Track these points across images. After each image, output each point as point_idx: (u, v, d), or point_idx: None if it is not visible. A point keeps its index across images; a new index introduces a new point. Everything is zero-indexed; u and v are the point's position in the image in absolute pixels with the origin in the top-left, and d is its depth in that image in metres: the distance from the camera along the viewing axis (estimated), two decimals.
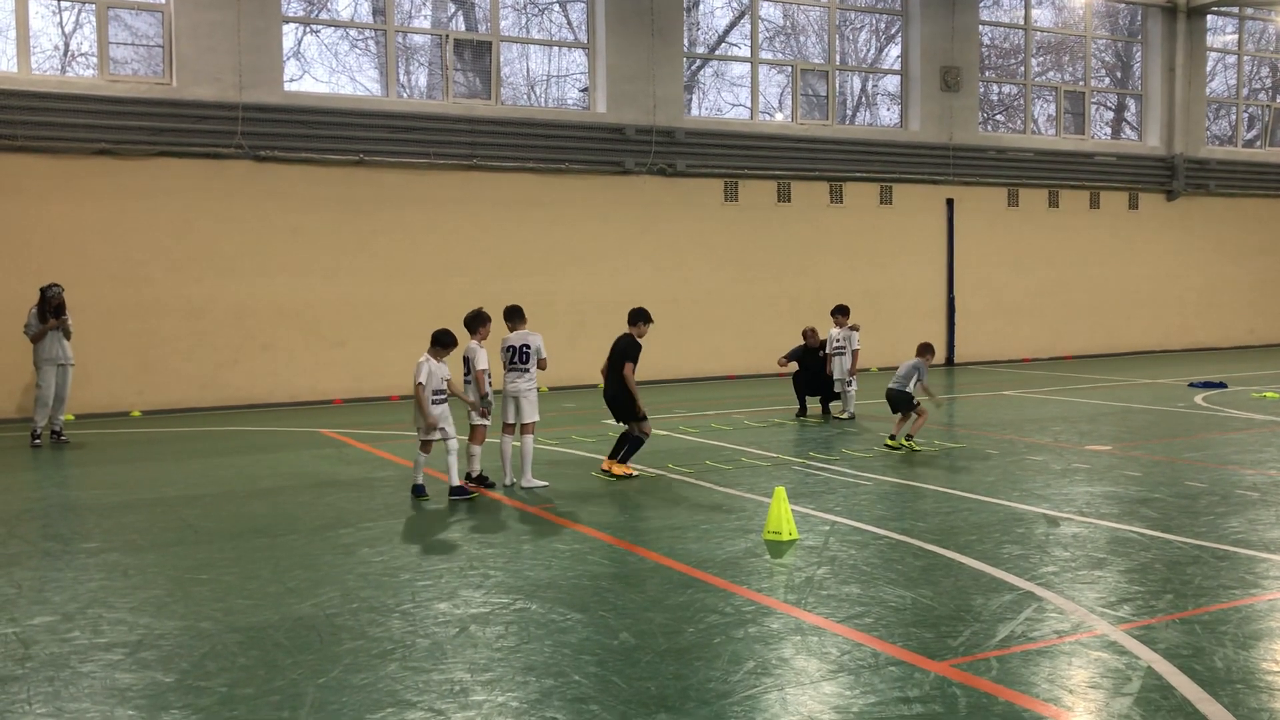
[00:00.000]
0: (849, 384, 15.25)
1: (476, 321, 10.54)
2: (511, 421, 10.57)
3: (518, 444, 10.66)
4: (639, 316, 11.25)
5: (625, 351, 11.02)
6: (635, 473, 11.10)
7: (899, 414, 12.66)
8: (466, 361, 10.46)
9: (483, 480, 10.55)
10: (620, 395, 11.00)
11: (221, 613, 6.57)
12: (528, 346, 10.59)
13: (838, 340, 15.31)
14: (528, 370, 10.58)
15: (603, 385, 11.34)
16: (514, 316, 10.83)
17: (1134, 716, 4.81)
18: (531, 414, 10.53)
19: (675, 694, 5.16)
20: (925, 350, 12.79)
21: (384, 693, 5.24)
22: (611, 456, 11.15)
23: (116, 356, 16.94)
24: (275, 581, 7.25)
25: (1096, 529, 8.39)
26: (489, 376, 10.46)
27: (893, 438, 12.53)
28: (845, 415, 15.18)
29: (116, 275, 16.91)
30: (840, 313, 15.58)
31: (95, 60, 17.23)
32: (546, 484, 10.51)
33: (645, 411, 11.01)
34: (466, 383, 10.50)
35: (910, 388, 12.52)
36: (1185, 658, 5.50)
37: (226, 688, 5.33)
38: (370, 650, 5.83)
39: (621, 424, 11.22)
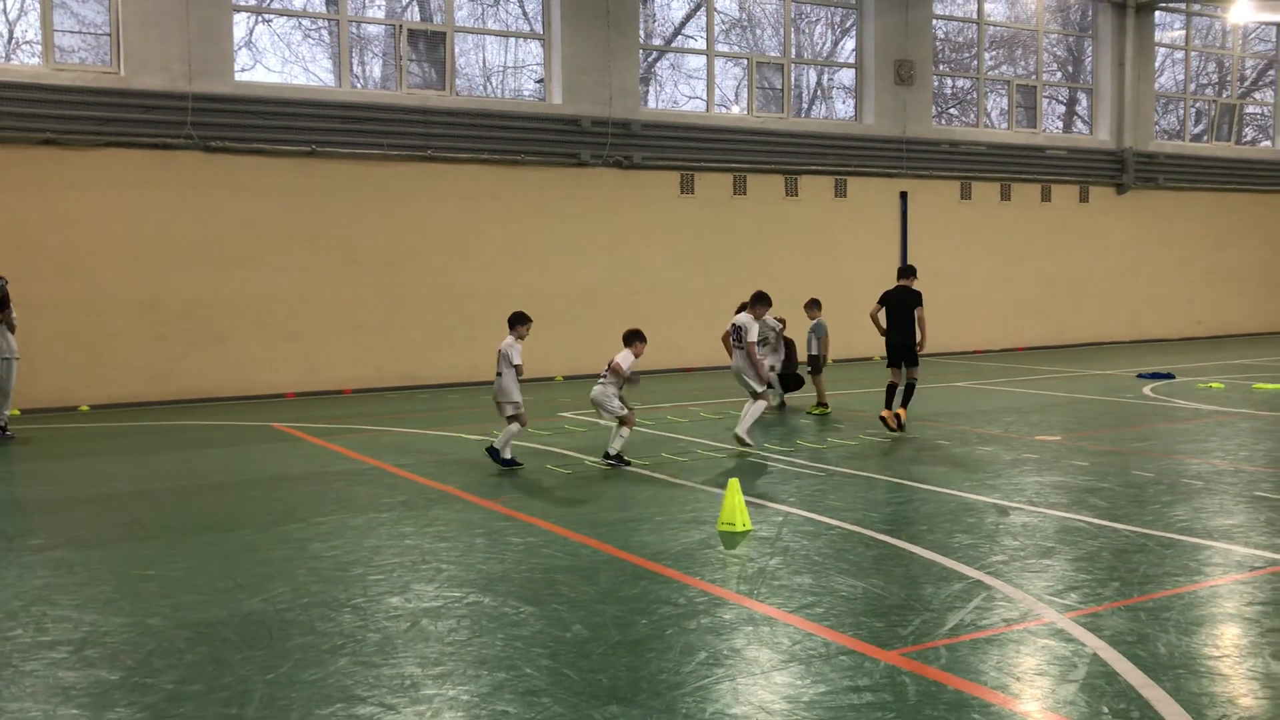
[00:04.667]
0: (771, 368, 15.21)
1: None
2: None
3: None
4: (909, 272, 13.46)
5: (916, 298, 13.01)
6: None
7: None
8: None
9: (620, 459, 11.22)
10: (912, 342, 12.87)
11: (169, 609, 6.49)
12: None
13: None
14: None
15: (889, 337, 13.11)
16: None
17: (1079, 702, 4.87)
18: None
19: (627, 685, 5.16)
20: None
21: (334, 688, 5.20)
22: (905, 405, 12.82)
23: (64, 350, 16.68)
24: (225, 577, 7.18)
25: (1045, 518, 8.50)
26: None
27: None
28: (775, 401, 15.20)
29: (64, 268, 16.65)
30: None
31: (40, 48, 16.91)
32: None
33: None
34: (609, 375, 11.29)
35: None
36: (1130, 644, 5.58)
37: (173, 685, 5.27)
38: (320, 645, 5.79)
39: (898, 370, 13.01)
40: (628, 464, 11.15)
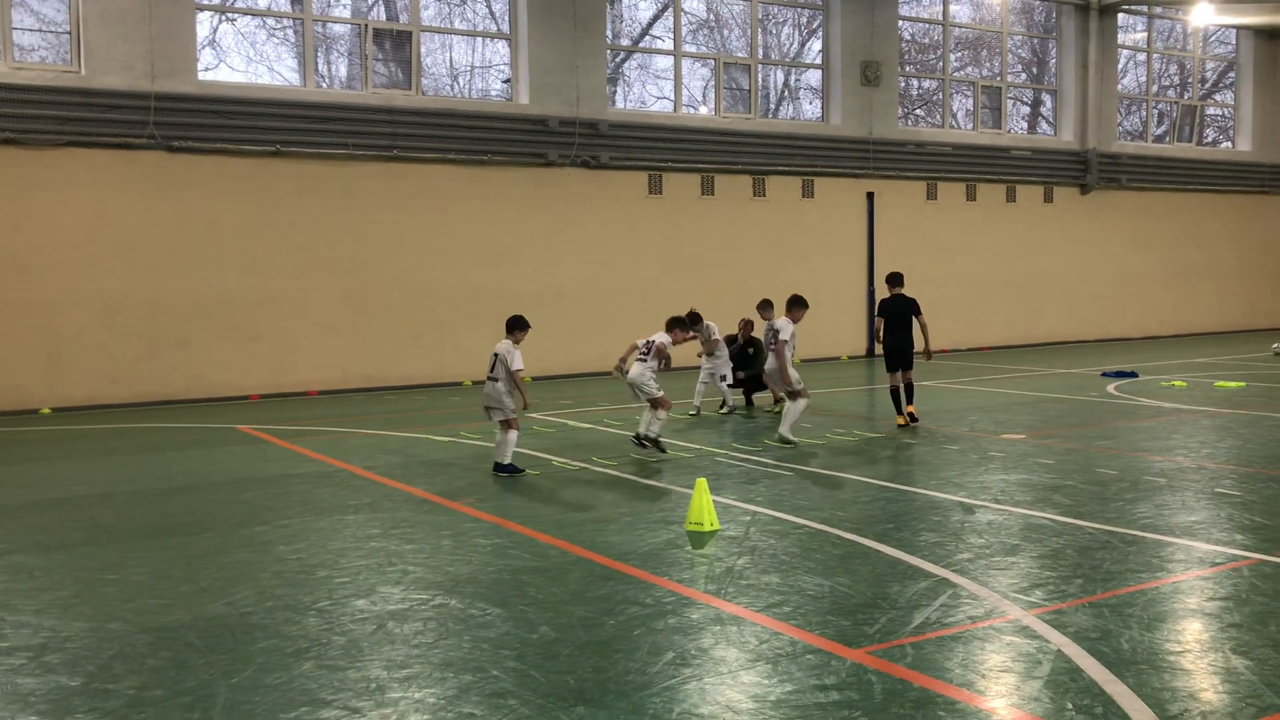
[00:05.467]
0: (723, 378, 15.22)
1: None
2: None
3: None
4: (900, 280, 13.96)
5: (914, 306, 13.63)
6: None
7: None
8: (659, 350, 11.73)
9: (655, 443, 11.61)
10: (910, 347, 13.57)
11: (131, 613, 6.41)
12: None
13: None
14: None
15: (883, 339, 13.75)
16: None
17: (1043, 699, 4.91)
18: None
19: (594, 687, 5.15)
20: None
21: (298, 691, 5.15)
22: (911, 402, 13.55)
23: (24, 352, 16.47)
24: (188, 581, 7.10)
25: (1010, 516, 8.56)
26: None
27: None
28: (724, 410, 15.17)
29: (24, 269, 16.43)
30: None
31: None
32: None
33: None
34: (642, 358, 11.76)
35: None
36: (1093, 640, 5.63)
37: (135, 690, 5.21)
38: (285, 649, 5.73)
39: (896, 373, 13.65)
40: (663, 450, 11.50)
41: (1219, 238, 30.10)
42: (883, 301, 14.00)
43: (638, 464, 11.17)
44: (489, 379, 10.72)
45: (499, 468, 10.64)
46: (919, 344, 13.48)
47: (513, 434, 10.69)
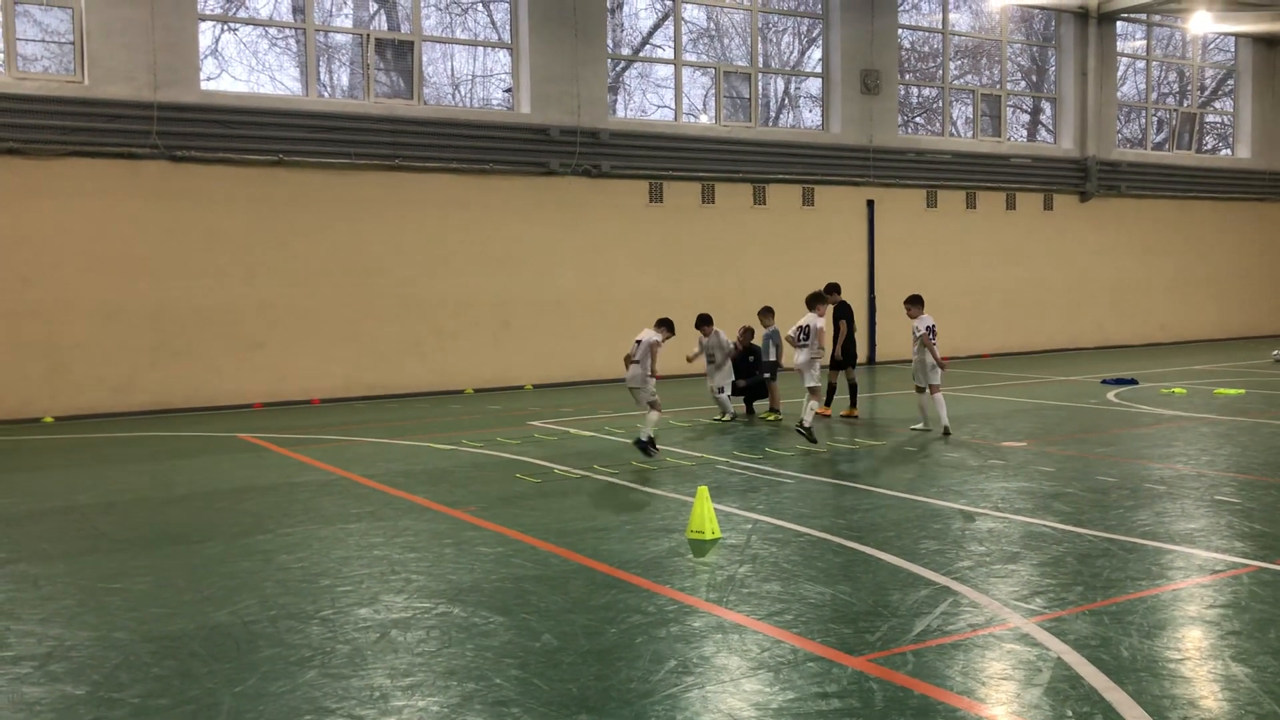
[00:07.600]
0: (720, 389, 15.26)
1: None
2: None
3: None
4: (832, 290, 15.20)
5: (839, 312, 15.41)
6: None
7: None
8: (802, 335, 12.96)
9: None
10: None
11: (135, 622, 6.44)
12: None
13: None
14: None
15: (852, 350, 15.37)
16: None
17: (1044, 706, 4.93)
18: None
19: (596, 695, 5.17)
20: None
21: (302, 700, 5.18)
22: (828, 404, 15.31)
23: (26, 361, 16.51)
24: (191, 590, 7.13)
25: (1011, 524, 8.58)
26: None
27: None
28: (727, 417, 15.21)
29: (26, 277, 16.48)
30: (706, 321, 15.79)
31: (2, 57, 16.74)
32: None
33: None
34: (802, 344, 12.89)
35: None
36: (1093, 648, 5.65)
37: (140, 699, 5.23)
38: (289, 658, 5.76)
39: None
40: (814, 441, 12.45)
41: (1218, 245, 30.14)
42: (847, 307, 15.85)
43: (639, 472, 11.20)
44: (632, 362, 12.03)
45: (637, 442, 11.81)
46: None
47: (654, 414, 11.90)
